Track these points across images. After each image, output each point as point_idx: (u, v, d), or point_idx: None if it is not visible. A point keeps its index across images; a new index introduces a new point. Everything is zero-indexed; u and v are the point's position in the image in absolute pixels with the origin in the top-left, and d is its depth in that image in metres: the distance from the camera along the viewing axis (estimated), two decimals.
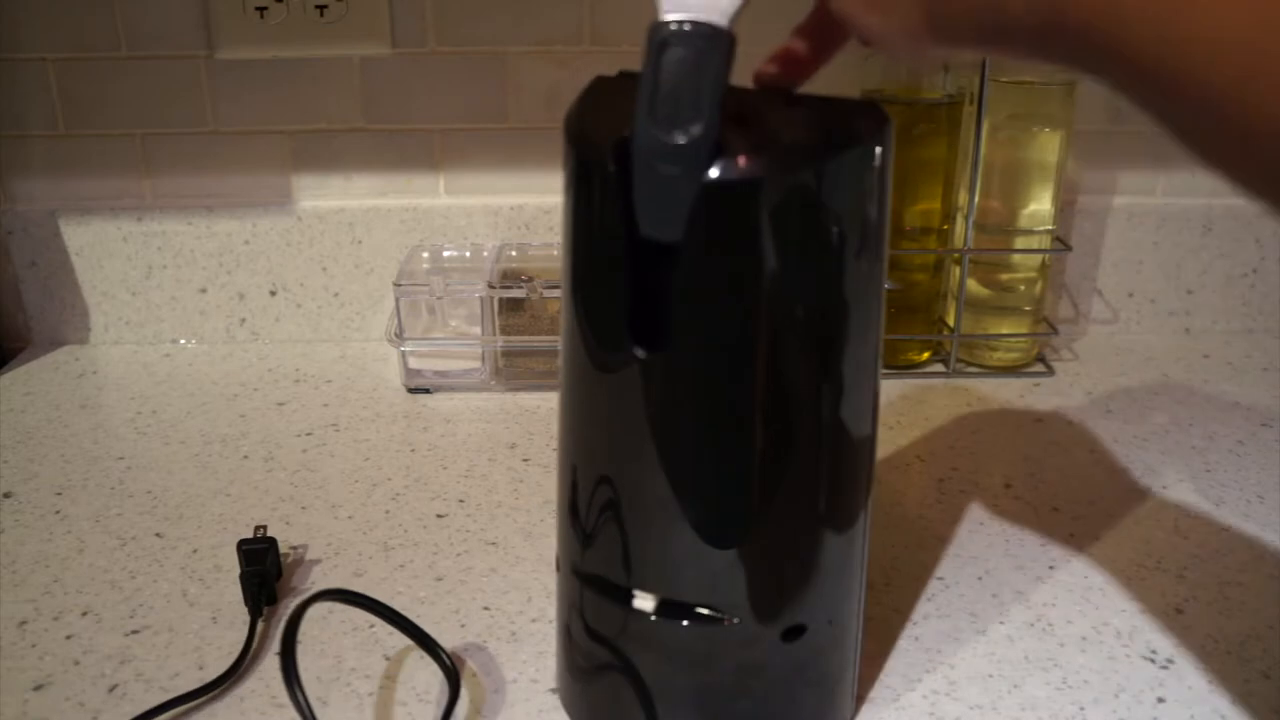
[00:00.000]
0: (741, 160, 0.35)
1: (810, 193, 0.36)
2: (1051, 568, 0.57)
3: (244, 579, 0.53)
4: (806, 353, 0.38)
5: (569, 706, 0.47)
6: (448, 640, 0.51)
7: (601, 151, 0.36)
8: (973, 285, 0.80)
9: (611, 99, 0.39)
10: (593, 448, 0.42)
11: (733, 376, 0.38)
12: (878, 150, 0.37)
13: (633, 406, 0.39)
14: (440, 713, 0.47)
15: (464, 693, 0.48)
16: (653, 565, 0.41)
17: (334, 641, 0.52)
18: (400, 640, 0.51)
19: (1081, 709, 0.47)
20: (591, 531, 0.42)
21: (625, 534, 0.41)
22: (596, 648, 0.44)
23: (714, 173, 0.35)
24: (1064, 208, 0.83)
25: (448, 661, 0.49)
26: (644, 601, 0.42)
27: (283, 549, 0.58)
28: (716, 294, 0.36)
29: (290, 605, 0.54)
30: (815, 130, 0.37)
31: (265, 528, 0.57)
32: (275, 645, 0.51)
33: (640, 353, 0.38)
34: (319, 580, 0.57)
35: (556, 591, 0.47)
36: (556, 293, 0.76)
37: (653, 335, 0.38)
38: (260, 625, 0.52)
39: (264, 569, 0.54)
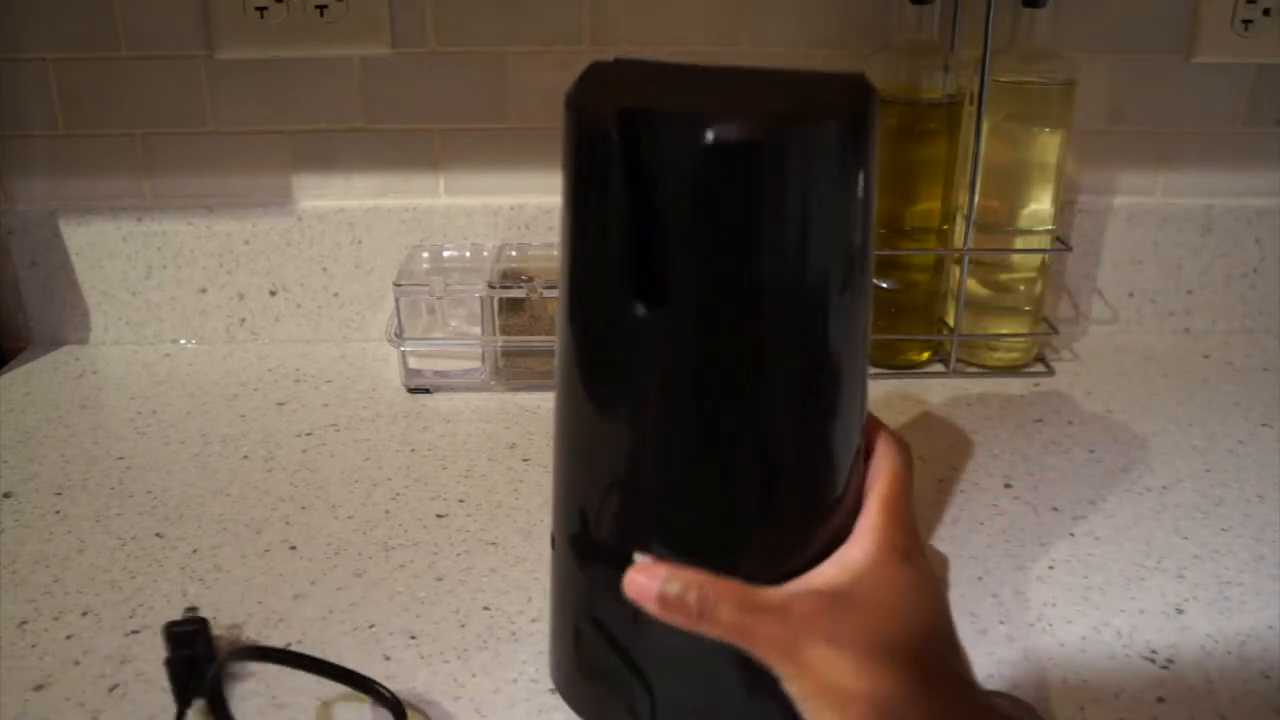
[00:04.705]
0: (727, 126, 0.36)
1: (795, 157, 0.37)
2: (1051, 568, 0.57)
3: (170, 665, 0.47)
4: (799, 320, 0.39)
5: (559, 682, 0.48)
6: (448, 640, 0.51)
7: (604, 120, 0.37)
8: (973, 285, 0.80)
9: (608, 81, 0.40)
10: (592, 416, 0.42)
11: (726, 338, 0.39)
12: (862, 115, 0.38)
13: (628, 372, 0.40)
14: None
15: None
16: (652, 532, 0.42)
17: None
18: (332, 687, 0.48)
19: (1081, 709, 0.47)
20: (590, 502, 0.43)
21: (624, 503, 0.42)
22: (599, 627, 0.44)
23: (705, 136, 0.36)
24: (1064, 208, 0.83)
25: (387, 694, 0.47)
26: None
27: (216, 630, 0.50)
28: (714, 253, 0.37)
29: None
30: (801, 97, 0.38)
31: (196, 609, 0.50)
32: None
33: (638, 310, 0.39)
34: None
35: (552, 566, 0.47)
36: (556, 292, 0.76)
37: (649, 293, 0.38)
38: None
39: (194, 653, 0.47)
